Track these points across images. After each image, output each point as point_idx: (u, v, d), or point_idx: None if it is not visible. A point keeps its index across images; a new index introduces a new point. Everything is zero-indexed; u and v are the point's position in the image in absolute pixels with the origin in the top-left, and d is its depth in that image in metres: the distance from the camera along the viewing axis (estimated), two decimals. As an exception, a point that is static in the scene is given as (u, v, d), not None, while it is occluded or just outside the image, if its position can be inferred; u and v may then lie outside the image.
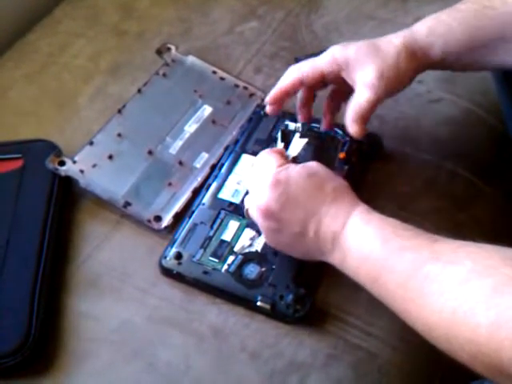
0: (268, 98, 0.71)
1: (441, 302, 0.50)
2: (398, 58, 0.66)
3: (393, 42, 0.67)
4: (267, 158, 0.65)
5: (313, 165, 0.63)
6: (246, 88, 0.85)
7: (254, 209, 0.64)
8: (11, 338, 0.64)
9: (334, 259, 0.61)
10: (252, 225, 0.71)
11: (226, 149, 0.79)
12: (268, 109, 0.71)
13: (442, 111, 0.84)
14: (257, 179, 0.64)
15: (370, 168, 0.76)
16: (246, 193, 0.70)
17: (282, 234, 0.63)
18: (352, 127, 0.67)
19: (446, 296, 0.50)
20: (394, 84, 0.67)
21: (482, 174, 0.80)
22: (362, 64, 0.66)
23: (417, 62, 0.67)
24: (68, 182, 0.76)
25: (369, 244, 0.57)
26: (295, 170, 0.63)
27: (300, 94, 0.72)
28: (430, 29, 0.67)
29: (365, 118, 0.67)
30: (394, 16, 0.94)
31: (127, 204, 0.74)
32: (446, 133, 0.83)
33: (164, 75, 0.86)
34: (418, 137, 0.82)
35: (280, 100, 0.70)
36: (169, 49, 0.88)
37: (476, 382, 0.59)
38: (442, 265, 0.52)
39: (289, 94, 0.70)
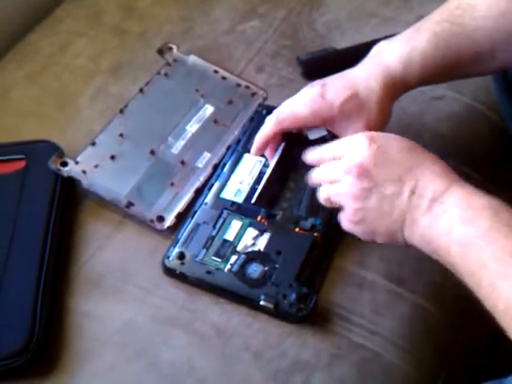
0: (254, 151, 0.71)
1: None
2: (382, 106, 0.67)
3: (374, 90, 0.67)
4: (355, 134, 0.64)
5: None
6: (247, 87, 0.85)
7: (347, 168, 0.61)
8: (15, 339, 0.64)
9: (423, 226, 0.57)
10: (255, 224, 0.71)
11: (228, 148, 0.79)
12: (253, 153, 0.72)
13: (444, 108, 0.84)
14: (346, 145, 0.63)
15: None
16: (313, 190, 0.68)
17: (373, 197, 0.59)
18: None
19: None
20: (381, 128, 0.68)
21: (484, 170, 0.80)
22: (349, 120, 0.67)
23: (395, 96, 0.69)
24: (70, 183, 0.76)
25: (478, 210, 0.55)
26: (387, 133, 0.62)
27: (270, 145, 0.72)
28: (407, 61, 0.67)
29: None
30: (397, 14, 0.94)
31: (130, 204, 0.74)
32: (448, 130, 0.83)
33: (165, 75, 0.85)
34: (421, 134, 0.81)
35: (264, 149, 0.71)
36: (170, 48, 0.87)
37: (491, 381, 0.58)
38: None
39: (270, 142, 0.71)
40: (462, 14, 0.68)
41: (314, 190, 0.68)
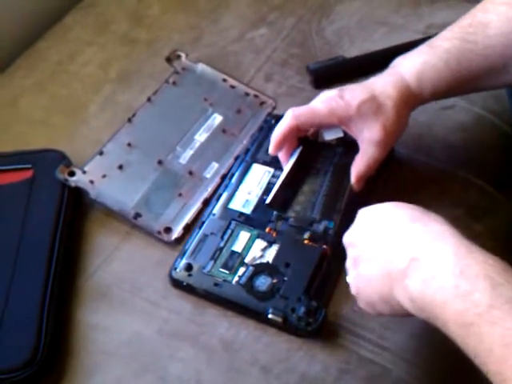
0: (271, 149, 0.71)
1: None
2: (398, 111, 0.68)
3: (390, 96, 0.68)
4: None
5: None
6: (256, 96, 0.84)
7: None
8: (21, 352, 0.63)
9: (411, 291, 0.51)
10: (263, 235, 0.71)
11: (237, 158, 0.79)
12: (271, 152, 0.72)
13: (454, 118, 0.83)
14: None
15: (382, 176, 0.75)
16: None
17: (361, 263, 0.57)
18: (359, 183, 0.70)
19: None
20: (397, 134, 0.70)
21: (495, 181, 0.79)
22: (366, 121, 0.68)
23: (411, 106, 0.70)
24: (78, 193, 0.75)
25: (472, 279, 0.48)
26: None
27: (285, 148, 0.72)
28: (419, 75, 0.69)
29: (371, 174, 0.70)
30: (406, 22, 0.93)
31: (137, 215, 0.74)
32: (459, 140, 0.82)
33: (174, 83, 0.85)
34: (431, 144, 0.81)
35: (281, 146, 0.71)
36: (179, 56, 0.87)
37: None
38: None
39: (287, 139, 0.71)
40: (475, 31, 0.69)
41: (327, 193, 0.68)
